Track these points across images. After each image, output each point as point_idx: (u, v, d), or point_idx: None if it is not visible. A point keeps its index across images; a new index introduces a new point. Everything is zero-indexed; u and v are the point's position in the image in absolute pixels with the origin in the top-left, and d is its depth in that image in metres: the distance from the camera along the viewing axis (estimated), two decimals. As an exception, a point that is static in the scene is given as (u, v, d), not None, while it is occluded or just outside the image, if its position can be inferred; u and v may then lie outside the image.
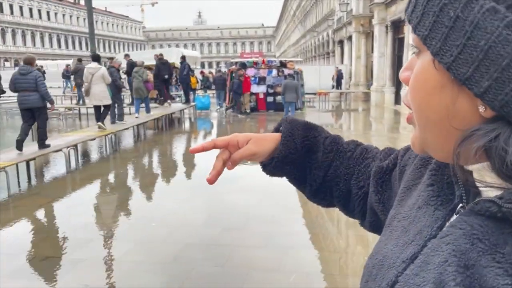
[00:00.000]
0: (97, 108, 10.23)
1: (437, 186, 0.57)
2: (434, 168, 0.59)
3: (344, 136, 0.93)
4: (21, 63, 8.03)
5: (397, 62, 19.11)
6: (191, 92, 18.65)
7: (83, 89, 10.82)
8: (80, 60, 17.70)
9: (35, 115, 7.69)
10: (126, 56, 16.51)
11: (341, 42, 31.90)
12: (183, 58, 17.11)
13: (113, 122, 11.10)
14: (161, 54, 16.34)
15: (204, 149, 0.79)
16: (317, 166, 0.86)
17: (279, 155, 0.83)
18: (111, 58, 13.26)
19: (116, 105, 11.35)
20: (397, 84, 19.00)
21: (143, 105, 13.40)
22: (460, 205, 0.51)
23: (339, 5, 27.53)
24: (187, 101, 16.78)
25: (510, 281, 0.39)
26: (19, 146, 7.43)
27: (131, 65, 14.89)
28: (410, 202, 0.61)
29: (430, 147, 0.51)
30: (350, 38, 27.01)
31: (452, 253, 0.45)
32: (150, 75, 14.10)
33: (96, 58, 10.57)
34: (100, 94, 9.95)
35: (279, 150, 0.83)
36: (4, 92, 22.02)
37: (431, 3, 0.45)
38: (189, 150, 0.82)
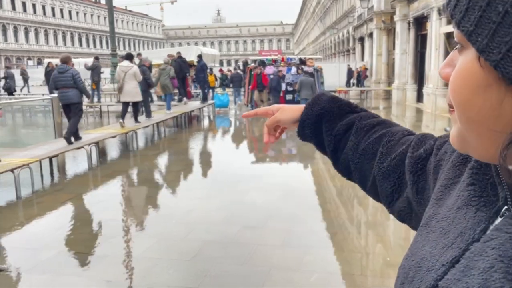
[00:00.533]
0: (125, 104, 10.56)
1: (479, 186, 0.54)
2: (475, 166, 0.56)
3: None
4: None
5: (419, 59, 18.82)
6: (210, 90, 18.72)
7: (116, 86, 11.18)
8: (97, 58, 18.01)
9: (71, 110, 8.21)
10: (139, 55, 16.62)
11: (361, 39, 31.54)
12: (200, 57, 17.21)
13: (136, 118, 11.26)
14: (178, 52, 16.45)
15: (249, 115, 1.10)
16: (329, 133, 0.97)
17: (299, 120, 1.00)
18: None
19: (143, 103, 11.66)
20: (419, 82, 18.73)
21: (161, 103, 13.60)
22: (505, 207, 0.49)
23: (360, 2, 27.22)
24: (205, 99, 16.87)
25: None
26: (69, 141, 8.03)
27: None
28: (449, 202, 0.58)
29: (472, 147, 0.49)
30: (371, 35, 26.69)
31: (499, 258, 0.43)
32: None
33: (128, 57, 10.86)
34: (132, 91, 10.41)
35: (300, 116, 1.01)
36: (15, 90, 22.56)
37: None
38: (242, 115, 1.21)
